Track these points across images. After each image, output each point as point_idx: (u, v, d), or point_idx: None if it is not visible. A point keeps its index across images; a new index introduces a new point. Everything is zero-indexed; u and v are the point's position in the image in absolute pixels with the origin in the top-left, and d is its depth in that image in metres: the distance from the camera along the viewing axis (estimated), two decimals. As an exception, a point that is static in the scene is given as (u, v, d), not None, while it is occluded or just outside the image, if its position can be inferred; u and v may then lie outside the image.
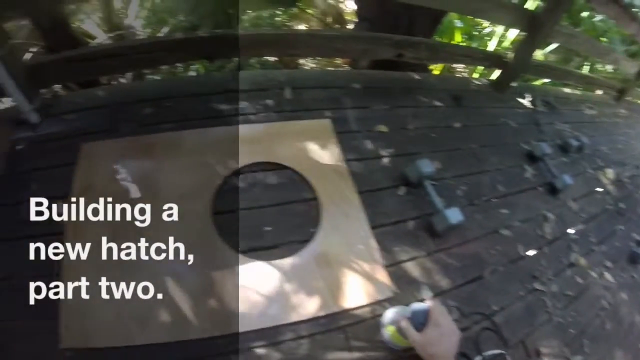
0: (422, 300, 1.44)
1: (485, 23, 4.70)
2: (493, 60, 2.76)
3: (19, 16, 2.81)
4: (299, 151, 1.87)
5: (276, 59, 3.94)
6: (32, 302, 1.53)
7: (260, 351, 1.42)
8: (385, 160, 1.95)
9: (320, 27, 4.47)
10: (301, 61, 4.30)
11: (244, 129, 1.96)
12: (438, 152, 2.06)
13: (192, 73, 3.92)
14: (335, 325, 1.48)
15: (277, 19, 4.40)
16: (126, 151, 1.88)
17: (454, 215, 1.72)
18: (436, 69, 3.89)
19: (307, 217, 1.70)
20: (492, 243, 1.85)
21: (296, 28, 4.44)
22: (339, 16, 4.43)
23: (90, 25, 4.53)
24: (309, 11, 4.30)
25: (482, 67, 3.86)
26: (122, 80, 3.86)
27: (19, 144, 1.98)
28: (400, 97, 2.30)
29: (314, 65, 4.29)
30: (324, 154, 1.87)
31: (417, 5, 2.24)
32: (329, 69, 4.00)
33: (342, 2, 4.53)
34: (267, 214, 1.71)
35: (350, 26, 4.47)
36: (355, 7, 3.86)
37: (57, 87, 2.63)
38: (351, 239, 1.64)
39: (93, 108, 2.12)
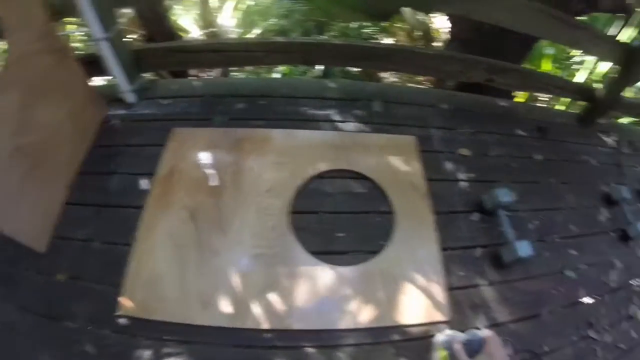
0: (478, 329, 1.47)
1: (576, 52, 4.52)
2: (583, 93, 2.66)
3: (127, 5, 3.01)
4: (382, 164, 1.93)
5: (359, 70, 3.97)
6: (101, 265, 1.71)
7: (309, 351, 1.49)
8: (464, 184, 1.97)
9: (407, 42, 4.45)
10: (383, 75, 4.31)
11: (330, 135, 2.04)
12: (516, 182, 2.06)
13: (276, 75, 4.04)
14: (388, 339, 1.53)
15: (365, 30, 4.42)
16: (216, 141, 2.01)
17: (524, 248, 1.71)
18: (519, 96, 3.81)
19: (380, 230, 1.76)
20: (555, 283, 1.83)
21: (383, 41, 4.44)
22: (427, 32, 4.38)
23: (187, 20, 4.80)
24: (398, 25, 4.27)
25: (569, 99, 3.74)
26: (210, 75, 4.04)
27: (113, 119, 2.18)
28: (485, 122, 2.31)
29: (395, 80, 4.30)
30: (405, 170, 1.92)
31: (511, 30, 2.22)
32: (418, 86, 4.00)
33: (431, 19, 4.47)
34: (342, 221, 1.78)
35: (438, 44, 4.42)
36: (445, 25, 3.84)
37: (152, 74, 2.80)
38: (419, 257, 1.68)
39: (188, 96, 2.28)
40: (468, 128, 2.24)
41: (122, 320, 1.57)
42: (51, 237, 1.82)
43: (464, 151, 2.11)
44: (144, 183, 1.91)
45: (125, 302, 1.59)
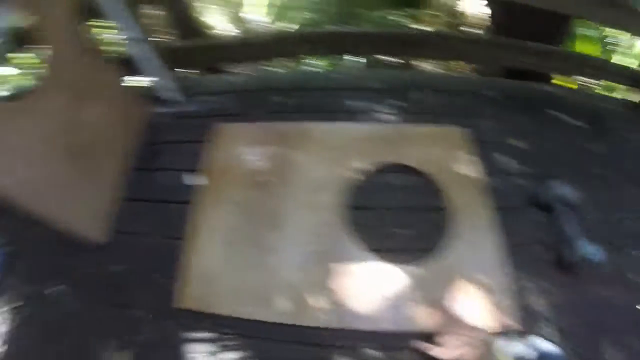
0: (541, 336, 1.34)
1: (614, 33, 4.27)
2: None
3: (156, 5, 3.08)
4: (433, 157, 1.82)
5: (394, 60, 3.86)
6: (157, 258, 1.75)
7: (369, 352, 1.42)
8: (517, 178, 1.83)
9: (443, 29, 4.30)
10: (417, 64, 4.17)
11: (375, 128, 1.95)
12: (577, 176, 1.87)
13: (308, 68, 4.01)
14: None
15: (391, 18, 4.27)
16: (260, 136, 1.98)
17: (590, 250, 1.55)
18: (559, 79, 3.59)
19: (438, 226, 1.65)
20: (624, 291, 1.64)
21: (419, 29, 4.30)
22: (457, 17, 4.20)
23: (217, 18, 4.85)
24: (432, 12, 4.10)
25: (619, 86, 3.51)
26: (242, 70, 4.05)
27: (157, 118, 2.20)
28: (537, 110, 2.14)
29: (431, 68, 4.15)
30: (458, 163, 1.80)
31: (554, 11, 2.05)
32: (461, 74, 3.83)
33: (464, 4, 4.29)
34: (397, 217, 1.69)
35: (475, 30, 4.25)
36: (483, 9, 3.67)
37: (187, 71, 2.80)
38: (479, 256, 1.57)
39: (226, 92, 2.27)
40: (519, 117, 2.08)
41: (182, 313, 1.59)
42: (110, 230, 1.89)
43: (517, 142, 1.95)
44: (191, 179, 1.93)
45: (182, 295, 1.61)
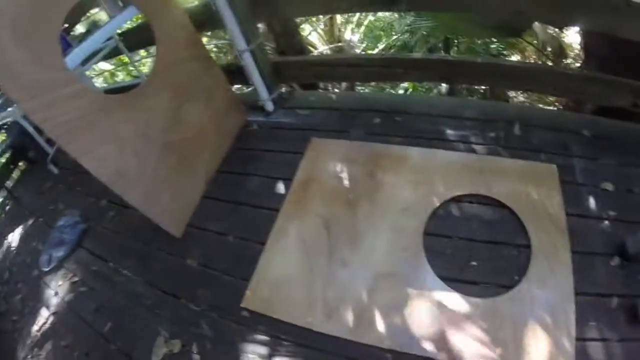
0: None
1: None
2: None
3: (263, 20, 3.24)
4: (520, 192, 1.82)
5: (485, 89, 3.82)
6: (231, 258, 1.84)
7: None
8: (605, 223, 1.78)
9: (537, 58, 4.19)
10: (511, 94, 4.10)
11: (468, 158, 1.98)
12: None
13: (400, 91, 4.05)
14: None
15: (492, 46, 4.22)
16: (353, 154, 2.06)
17: None
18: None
19: (514, 263, 1.66)
20: None
21: (511, 58, 4.21)
22: (560, 48, 4.05)
23: (313, 35, 5.00)
24: (527, 40, 4.00)
25: None
26: (336, 89, 4.19)
27: (253, 125, 2.36)
28: (631, 153, 2.05)
29: (523, 100, 4.09)
30: (545, 201, 1.79)
31: None
32: (557, 109, 3.74)
33: (564, 35, 4.14)
34: (476, 249, 1.71)
35: (571, 61, 4.11)
36: (579, 40, 3.54)
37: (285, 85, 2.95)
38: (551, 300, 1.55)
39: (325, 108, 2.37)
40: (611, 159, 2.01)
41: (244, 313, 1.68)
42: (187, 225, 2.03)
43: (607, 185, 1.90)
44: (279, 187, 2.03)
45: (251, 297, 1.70)
